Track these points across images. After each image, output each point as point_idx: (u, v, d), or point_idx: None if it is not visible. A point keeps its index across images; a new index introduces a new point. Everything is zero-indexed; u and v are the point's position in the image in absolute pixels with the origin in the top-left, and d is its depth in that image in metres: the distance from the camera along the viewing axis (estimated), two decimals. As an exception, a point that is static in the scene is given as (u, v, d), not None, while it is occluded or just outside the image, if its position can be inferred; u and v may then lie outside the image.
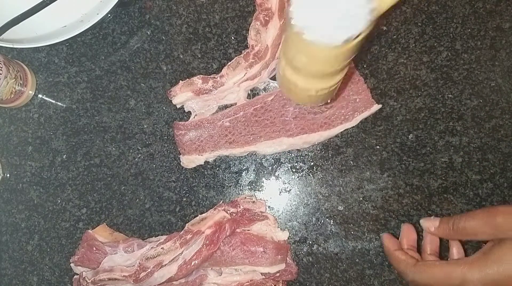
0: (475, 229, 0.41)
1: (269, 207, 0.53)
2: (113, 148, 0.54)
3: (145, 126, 0.54)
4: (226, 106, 0.54)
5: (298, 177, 0.53)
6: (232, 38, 0.55)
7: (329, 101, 0.41)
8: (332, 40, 0.29)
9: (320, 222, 0.52)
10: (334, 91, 0.38)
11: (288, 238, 0.51)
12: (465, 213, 0.43)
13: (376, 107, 0.52)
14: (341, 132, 0.52)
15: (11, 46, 0.50)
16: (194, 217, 0.51)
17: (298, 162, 0.53)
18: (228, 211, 0.50)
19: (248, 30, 0.55)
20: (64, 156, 0.55)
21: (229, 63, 0.52)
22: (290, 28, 0.30)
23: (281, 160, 0.53)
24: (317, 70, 0.34)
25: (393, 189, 0.52)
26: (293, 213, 0.53)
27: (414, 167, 0.52)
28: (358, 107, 0.51)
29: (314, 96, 0.37)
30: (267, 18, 0.51)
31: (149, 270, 0.47)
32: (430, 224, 0.46)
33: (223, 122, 0.52)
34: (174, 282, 0.49)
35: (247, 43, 0.54)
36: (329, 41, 0.29)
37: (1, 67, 0.49)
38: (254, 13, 0.52)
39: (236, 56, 0.52)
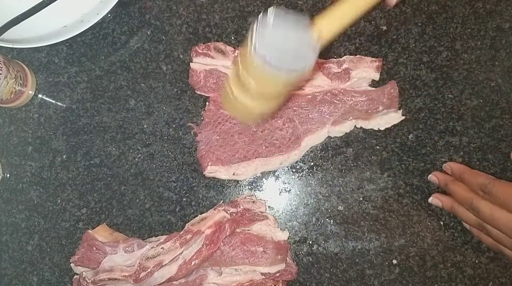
0: None
1: (269, 207, 0.53)
2: (113, 148, 0.54)
3: (145, 126, 0.54)
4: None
5: (298, 177, 0.53)
6: (232, 38, 0.55)
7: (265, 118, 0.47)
8: (287, 70, 0.35)
9: (320, 222, 0.52)
10: (272, 111, 0.45)
11: (288, 238, 0.51)
12: None
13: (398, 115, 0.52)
14: (341, 132, 0.53)
15: (11, 46, 0.50)
16: (194, 217, 0.51)
17: (298, 162, 0.53)
18: (228, 211, 0.50)
19: (248, 30, 0.55)
20: (64, 156, 0.55)
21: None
22: (249, 57, 0.34)
23: (281, 160, 0.53)
24: (265, 93, 0.39)
25: (393, 189, 0.52)
26: (293, 213, 0.53)
27: (414, 167, 0.52)
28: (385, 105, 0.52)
29: (256, 114, 0.43)
30: None
31: (149, 270, 0.47)
32: None
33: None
34: (174, 282, 0.49)
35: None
36: (284, 70, 0.35)
37: (1, 67, 0.49)
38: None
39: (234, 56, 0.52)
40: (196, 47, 0.52)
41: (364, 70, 0.52)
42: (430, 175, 0.51)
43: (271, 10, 0.34)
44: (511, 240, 0.44)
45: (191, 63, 0.52)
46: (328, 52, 0.54)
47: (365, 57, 0.52)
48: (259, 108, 0.41)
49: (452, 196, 0.48)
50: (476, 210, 0.45)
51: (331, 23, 0.38)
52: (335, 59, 0.52)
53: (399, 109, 0.52)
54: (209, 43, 0.53)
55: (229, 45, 0.53)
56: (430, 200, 0.51)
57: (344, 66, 0.52)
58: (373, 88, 0.52)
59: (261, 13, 0.35)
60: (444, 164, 0.51)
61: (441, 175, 0.50)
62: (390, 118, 0.52)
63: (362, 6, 0.39)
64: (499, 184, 0.43)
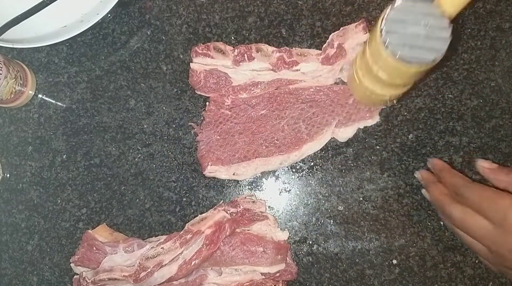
0: None
1: (269, 207, 0.53)
2: (113, 148, 0.54)
3: (145, 126, 0.54)
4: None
5: (298, 177, 0.53)
6: (232, 38, 0.55)
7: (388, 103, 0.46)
8: (421, 62, 0.34)
9: (320, 222, 0.52)
10: (401, 95, 0.44)
11: (288, 238, 0.51)
12: None
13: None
14: (341, 132, 0.52)
15: (11, 46, 0.50)
16: (194, 217, 0.51)
17: (298, 162, 0.53)
18: (228, 211, 0.50)
19: (248, 30, 0.55)
20: (64, 156, 0.55)
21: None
22: (379, 49, 0.34)
23: (281, 160, 0.53)
24: (397, 83, 0.39)
25: (393, 189, 0.52)
26: (293, 213, 0.53)
27: (414, 167, 0.52)
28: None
29: (384, 100, 0.42)
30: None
31: (149, 270, 0.47)
32: (486, 164, 0.46)
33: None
34: (174, 282, 0.49)
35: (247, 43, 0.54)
36: (418, 62, 0.34)
37: (1, 67, 0.49)
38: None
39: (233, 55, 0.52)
40: (196, 47, 0.52)
41: (354, 38, 0.52)
42: (416, 172, 0.51)
43: (399, 2, 0.35)
44: (481, 246, 0.43)
45: (191, 63, 0.52)
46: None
47: (348, 25, 0.52)
48: (386, 94, 0.41)
49: (430, 197, 0.49)
50: (448, 215, 0.45)
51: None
52: (326, 44, 0.53)
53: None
54: (209, 43, 0.53)
55: (229, 45, 0.53)
56: (423, 191, 0.51)
57: (336, 43, 0.52)
58: None
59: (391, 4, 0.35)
60: (429, 159, 0.51)
61: (426, 174, 0.51)
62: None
63: None
64: (474, 187, 0.43)
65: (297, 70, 0.52)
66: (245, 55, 0.52)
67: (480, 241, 0.43)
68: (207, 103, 0.53)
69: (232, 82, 0.53)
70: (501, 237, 0.40)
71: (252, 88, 0.52)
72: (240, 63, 0.52)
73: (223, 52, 0.52)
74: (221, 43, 0.53)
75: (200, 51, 0.52)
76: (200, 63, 0.52)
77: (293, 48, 0.53)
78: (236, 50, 0.52)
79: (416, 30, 0.34)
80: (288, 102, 0.52)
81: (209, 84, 0.52)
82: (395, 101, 0.46)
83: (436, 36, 0.34)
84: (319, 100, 0.52)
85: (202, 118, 0.54)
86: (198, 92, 0.53)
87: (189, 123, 0.54)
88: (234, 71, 0.53)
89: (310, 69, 0.52)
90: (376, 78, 0.39)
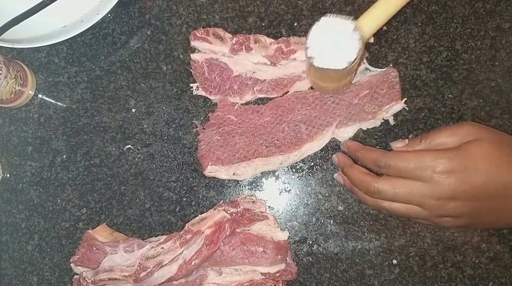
0: (443, 141, 0.44)
1: (269, 207, 0.53)
2: (113, 148, 0.54)
3: (145, 126, 0.54)
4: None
5: (298, 177, 0.53)
6: (232, 38, 0.55)
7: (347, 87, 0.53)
8: (334, 67, 0.42)
9: (320, 222, 0.52)
10: (347, 84, 0.52)
11: (288, 238, 0.51)
12: (430, 132, 0.46)
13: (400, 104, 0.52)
14: (341, 132, 0.53)
15: (11, 46, 0.50)
16: (194, 217, 0.51)
17: (298, 162, 0.53)
18: (228, 211, 0.50)
19: (248, 30, 0.55)
20: (64, 156, 0.55)
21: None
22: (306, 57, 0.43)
23: (281, 160, 0.53)
24: (328, 81, 0.49)
25: (393, 189, 0.52)
26: (293, 213, 0.53)
27: (414, 167, 0.52)
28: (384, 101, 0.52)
29: (333, 89, 0.52)
30: None
31: (149, 270, 0.47)
32: (399, 144, 0.47)
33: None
34: (174, 282, 0.49)
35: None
36: (332, 67, 0.43)
37: (1, 67, 0.49)
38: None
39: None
40: (195, 31, 0.52)
41: None
42: (333, 155, 0.52)
43: (322, 19, 0.43)
44: (414, 208, 0.44)
45: (191, 55, 0.53)
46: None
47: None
48: (331, 86, 0.50)
49: (349, 180, 0.49)
50: (376, 192, 0.44)
51: (371, 22, 0.47)
52: None
53: (401, 99, 0.52)
54: (209, 28, 0.53)
55: (228, 32, 0.53)
56: (335, 176, 0.51)
57: None
58: (372, 73, 0.53)
59: (315, 22, 0.43)
60: (342, 142, 0.51)
61: (343, 157, 0.51)
62: (394, 110, 0.52)
63: (399, 4, 0.48)
64: (395, 154, 0.44)
65: (294, 59, 0.52)
66: (243, 45, 0.52)
67: (414, 202, 0.43)
68: (216, 106, 0.53)
69: (233, 72, 0.52)
70: (434, 189, 0.42)
71: (255, 87, 0.52)
72: (238, 53, 0.52)
73: (221, 39, 0.52)
74: (221, 29, 0.53)
75: (199, 35, 0.52)
76: (199, 50, 0.53)
77: (291, 37, 0.53)
78: (234, 39, 0.52)
79: (331, 44, 0.42)
80: (293, 108, 0.52)
81: (214, 76, 0.52)
82: (343, 87, 0.53)
83: (348, 50, 0.42)
84: (320, 100, 0.52)
85: (207, 118, 0.53)
86: (202, 90, 0.53)
87: (193, 122, 0.54)
88: (233, 60, 0.53)
89: None
90: (314, 75, 0.48)
